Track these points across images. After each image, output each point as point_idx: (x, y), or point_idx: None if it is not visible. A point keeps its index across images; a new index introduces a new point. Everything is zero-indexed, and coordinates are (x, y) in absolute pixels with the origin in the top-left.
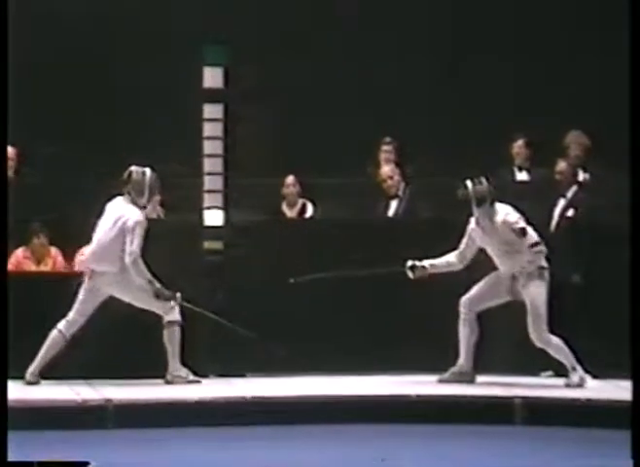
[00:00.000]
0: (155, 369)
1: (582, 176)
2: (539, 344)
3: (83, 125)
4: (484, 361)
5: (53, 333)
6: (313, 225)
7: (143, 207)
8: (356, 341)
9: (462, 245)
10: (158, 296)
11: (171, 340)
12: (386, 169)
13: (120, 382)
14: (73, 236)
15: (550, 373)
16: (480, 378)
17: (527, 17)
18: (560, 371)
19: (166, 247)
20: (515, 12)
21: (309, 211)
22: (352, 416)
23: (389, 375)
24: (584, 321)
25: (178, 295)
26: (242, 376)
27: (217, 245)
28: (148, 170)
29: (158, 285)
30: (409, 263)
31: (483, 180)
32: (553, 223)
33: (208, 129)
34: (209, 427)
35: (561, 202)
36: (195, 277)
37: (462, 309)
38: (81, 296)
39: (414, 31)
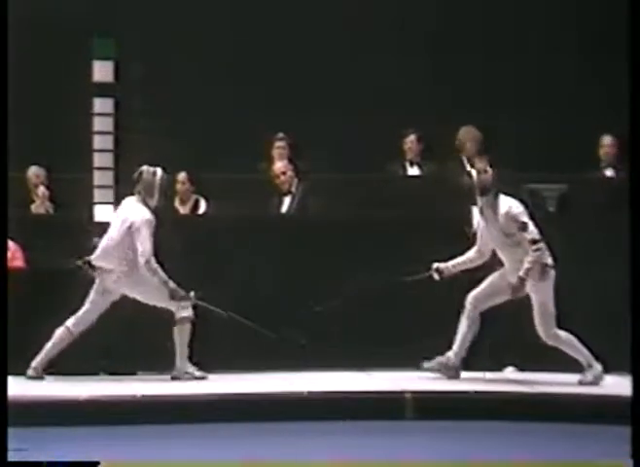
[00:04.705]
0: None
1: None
2: (548, 342)
3: None
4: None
5: (61, 330)
6: (206, 221)
7: (154, 207)
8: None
9: (477, 240)
10: (173, 296)
11: (181, 336)
12: (279, 165)
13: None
14: None
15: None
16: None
17: (416, 16)
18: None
19: (58, 244)
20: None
21: (202, 207)
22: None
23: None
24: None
25: (192, 294)
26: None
27: None
28: (159, 170)
29: (172, 285)
30: (434, 265)
31: (489, 169)
32: None
33: (98, 124)
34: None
35: None
36: (86, 274)
37: (467, 306)
38: (91, 296)
39: (307, 26)
